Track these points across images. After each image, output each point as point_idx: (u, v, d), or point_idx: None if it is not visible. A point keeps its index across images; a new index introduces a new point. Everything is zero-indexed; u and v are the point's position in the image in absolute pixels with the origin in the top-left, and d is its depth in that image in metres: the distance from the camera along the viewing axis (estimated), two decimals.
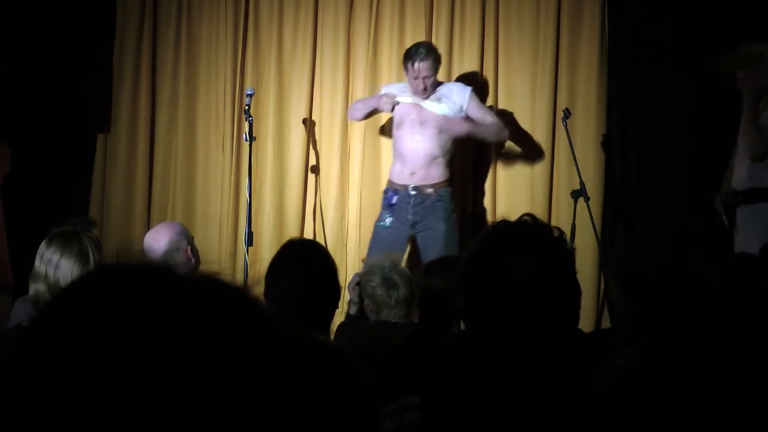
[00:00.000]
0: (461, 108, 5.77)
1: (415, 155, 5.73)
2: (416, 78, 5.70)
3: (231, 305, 0.79)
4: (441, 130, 5.69)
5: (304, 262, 3.09)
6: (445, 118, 5.72)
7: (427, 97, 5.76)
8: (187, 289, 0.78)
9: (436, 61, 5.74)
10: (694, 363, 1.11)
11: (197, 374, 0.73)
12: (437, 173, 5.71)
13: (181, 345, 0.74)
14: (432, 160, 5.71)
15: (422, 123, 5.72)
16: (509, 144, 6.24)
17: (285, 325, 0.82)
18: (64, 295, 0.80)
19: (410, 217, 5.69)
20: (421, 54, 5.70)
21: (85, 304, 0.77)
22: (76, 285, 0.81)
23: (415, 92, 5.76)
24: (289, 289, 2.97)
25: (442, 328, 3.29)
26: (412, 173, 5.72)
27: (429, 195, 5.69)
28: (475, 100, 5.84)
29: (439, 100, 5.77)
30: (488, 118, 5.81)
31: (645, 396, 1.10)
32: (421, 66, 5.67)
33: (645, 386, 1.11)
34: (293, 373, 0.79)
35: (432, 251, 5.58)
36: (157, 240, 4.11)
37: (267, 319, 0.80)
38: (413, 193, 5.70)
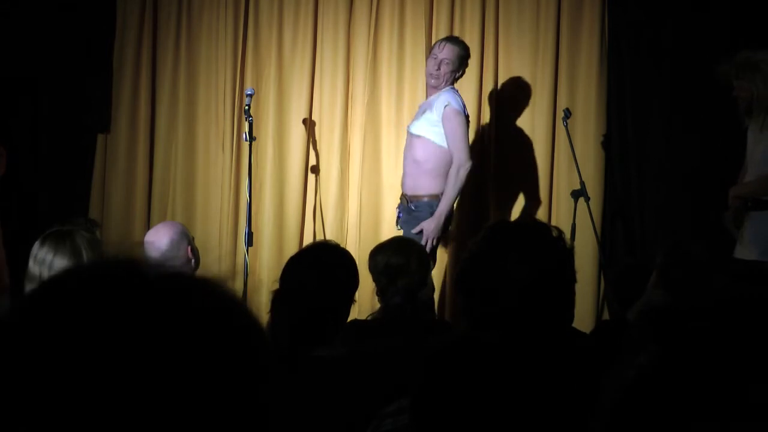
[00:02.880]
0: (437, 121, 5.44)
1: (405, 161, 5.61)
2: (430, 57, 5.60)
3: (202, 303, 0.80)
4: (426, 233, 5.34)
5: (313, 268, 3.08)
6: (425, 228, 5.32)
7: (434, 86, 5.53)
8: (154, 287, 0.79)
9: (456, 51, 5.52)
10: (711, 363, 1.11)
11: (166, 369, 0.74)
12: (425, 185, 5.42)
13: (145, 342, 0.74)
14: (415, 165, 5.47)
15: (411, 129, 5.59)
16: (509, 144, 6.25)
17: (252, 317, 0.82)
18: (38, 293, 0.81)
19: (398, 226, 5.62)
20: (446, 39, 5.65)
21: (59, 301, 0.78)
22: (50, 283, 0.82)
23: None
24: (296, 290, 2.97)
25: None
26: (404, 179, 5.59)
27: (408, 206, 5.48)
28: (451, 122, 5.40)
29: (424, 111, 5.53)
30: (454, 148, 5.37)
31: (663, 396, 1.10)
32: (438, 45, 5.59)
33: (662, 386, 1.11)
34: (262, 368, 0.80)
35: None
36: (158, 239, 4.11)
37: (236, 315, 0.81)
38: (401, 201, 5.61)
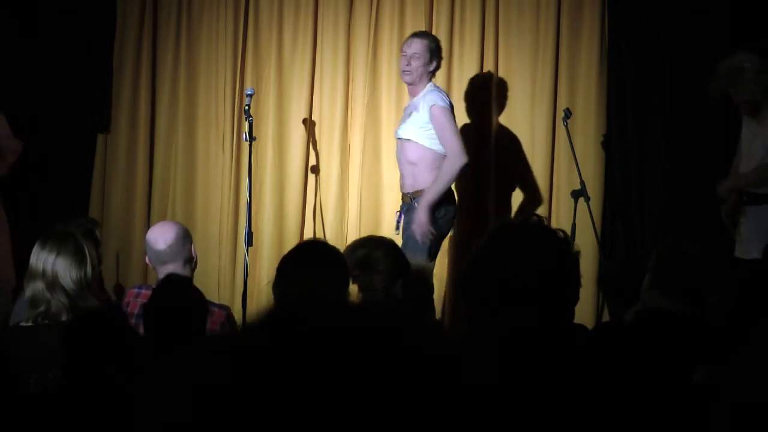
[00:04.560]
0: (425, 122, 5.37)
1: (400, 164, 5.58)
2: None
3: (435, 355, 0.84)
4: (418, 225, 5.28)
5: (305, 266, 3.07)
6: (416, 222, 5.28)
7: (408, 82, 5.52)
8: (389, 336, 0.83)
9: (424, 44, 5.48)
10: None
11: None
12: (424, 180, 5.36)
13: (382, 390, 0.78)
14: (410, 166, 5.42)
15: (400, 133, 5.53)
16: (509, 144, 6.25)
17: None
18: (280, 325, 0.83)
19: (397, 231, 5.57)
20: (413, 34, 5.62)
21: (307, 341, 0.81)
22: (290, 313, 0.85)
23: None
24: (289, 288, 2.97)
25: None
26: (402, 180, 5.55)
27: (411, 204, 5.42)
28: (439, 120, 5.34)
29: (410, 114, 5.47)
30: (447, 144, 5.32)
31: None
32: (407, 42, 5.56)
33: None
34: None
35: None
36: (162, 236, 4.10)
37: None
38: (403, 202, 5.56)
